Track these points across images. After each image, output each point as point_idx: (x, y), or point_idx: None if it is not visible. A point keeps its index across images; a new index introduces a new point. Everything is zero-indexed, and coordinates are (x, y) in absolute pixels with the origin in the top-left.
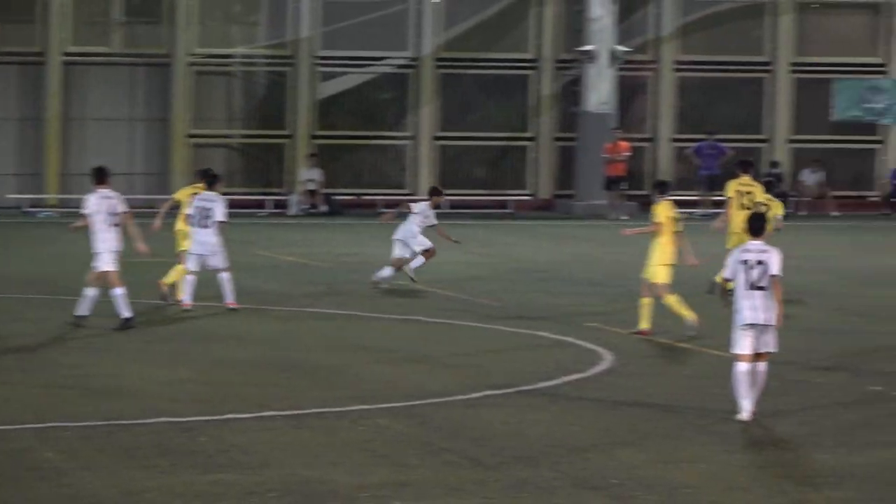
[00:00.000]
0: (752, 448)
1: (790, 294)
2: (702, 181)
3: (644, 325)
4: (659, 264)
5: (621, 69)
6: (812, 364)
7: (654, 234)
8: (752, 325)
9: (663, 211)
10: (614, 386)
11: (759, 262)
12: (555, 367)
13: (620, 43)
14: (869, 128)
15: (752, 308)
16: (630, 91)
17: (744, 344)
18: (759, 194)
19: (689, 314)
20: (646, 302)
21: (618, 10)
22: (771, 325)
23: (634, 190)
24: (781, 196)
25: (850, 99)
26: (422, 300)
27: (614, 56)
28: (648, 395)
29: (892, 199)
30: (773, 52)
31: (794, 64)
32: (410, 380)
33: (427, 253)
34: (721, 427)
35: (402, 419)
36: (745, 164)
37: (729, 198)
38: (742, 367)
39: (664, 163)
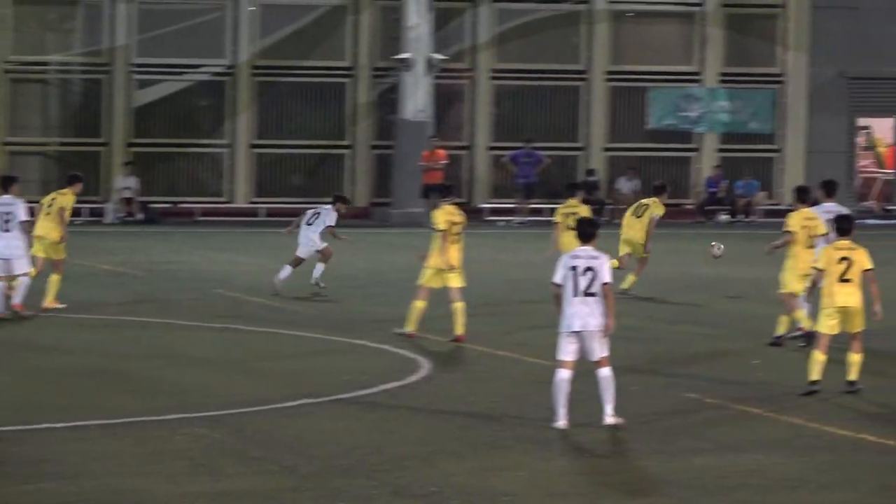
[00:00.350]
0: (571, 455)
1: None
2: (519, 189)
3: (459, 330)
4: (430, 267)
5: (438, 77)
6: (629, 371)
7: (441, 242)
8: (577, 333)
9: (442, 216)
10: (433, 394)
11: (589, 269)
12: (373, 376)
13: (437, 51)
14: (684, 136)
15: (579, 315)
16: (447, 99)
17: (567, 350)
18: (584, 213)
19: (413, 326)
20: (457, 307)
21: (434, 19)
22: (598, 332)
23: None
24: (597, 204)
25: (664, 107)
26: (239, 308)
27: (431, 64)
28: (467, 402)
29: (706, 207)
30: (588, 61)
31: (610, 72)
32: (227, 388)
33: (324, 254)
34: (540, 434)
35: (218, 428)
36: (573, 186)
37: (556, 223)
38: (563, 374)
39: (481, 170)
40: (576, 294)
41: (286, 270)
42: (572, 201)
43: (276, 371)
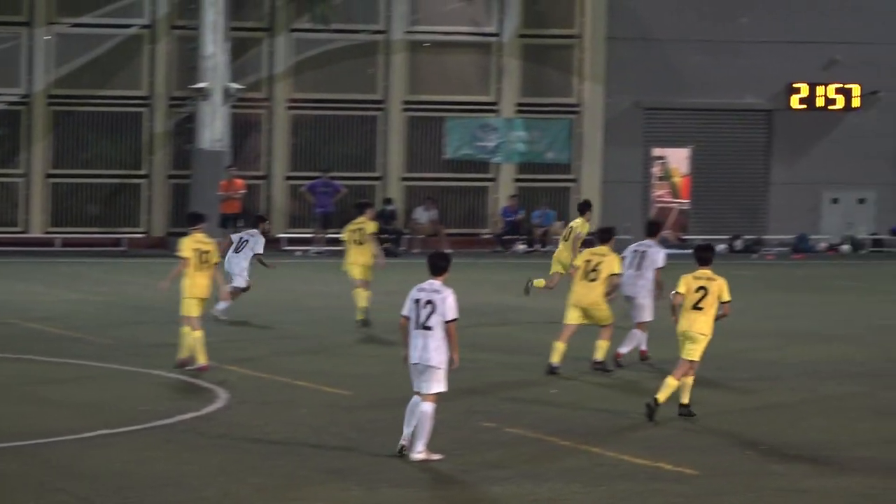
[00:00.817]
0: (368, 484)
1: (389, 333)
2: (316, 219)
3: (201, 358)
4: (188, 297)
5: (235, 107)
6: None
7: (185, 269)
8: (414, 364)
9: (189, 244)
10: (231, 424)
11: (429, 302)
12: (170, 406)
13: (234, 80)
14: (481, 166)
15: (416, 347)
16: (244, 129)
17: (413, 381)
18: (371, 228)
19: (202, 358)
20: (196, 335)
21: (231, 48)
22: (431, 367)
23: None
24: (394, 233)
25: (462, 137)
26: (34, 339)
27: (228, 93)
28: (265, 432)
29: (503, 237)
30: (385, 91)
31: (407, 102)
32: (24, 419)
33: (238, 292)
34: (339, 464)
35: (15, 459)
36: (362, 205)
37: (345, 240)
38: (414, 399)
39: (278, 200)
40: (416, 326)
41: (224, 304)
42: (361, 218)
43: (74, 401)
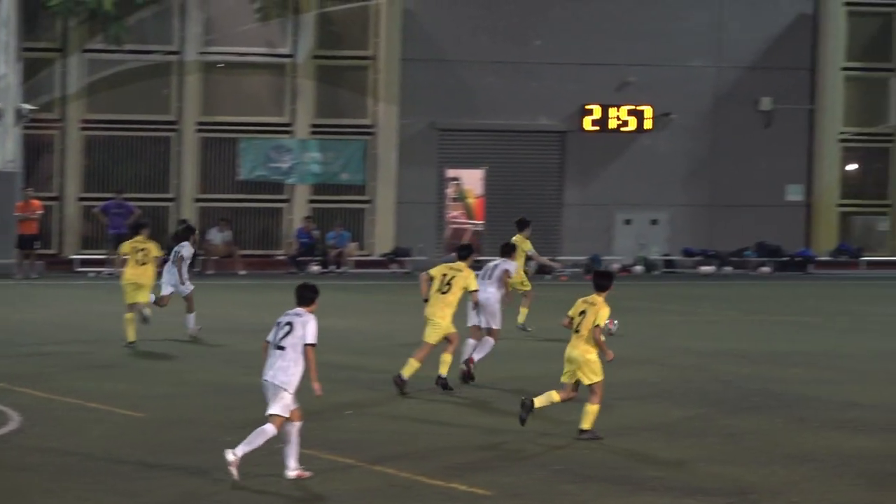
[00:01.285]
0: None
1: (183, 352)
2: (110, 240)
3: None
4: None
5: (27, 127)
6: (227, 424)
7: None
8: (264, 382)
9: None
10: (23, 447)
11: (288, 324)
12: None
13: (26, 101)
14: (276, 187)
15: (268, 366)
16: (37, 149)
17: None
18: (154, 251)
19: None
20: None
21: (23, 69)
22: (275, 385)
23: (44, 249)
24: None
25: (256, 158)
26: None
27: (20, 114)
28: (60, 455)
29: (298, 258)
30: (179, 111)
31: (201, 123)
32: None
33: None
34: (132, 486)
35: None
36: (139, 225)
37: (125, 255)
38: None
39: (72, 221)
40: (272, 346)
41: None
42: (140, 237)
43: None
